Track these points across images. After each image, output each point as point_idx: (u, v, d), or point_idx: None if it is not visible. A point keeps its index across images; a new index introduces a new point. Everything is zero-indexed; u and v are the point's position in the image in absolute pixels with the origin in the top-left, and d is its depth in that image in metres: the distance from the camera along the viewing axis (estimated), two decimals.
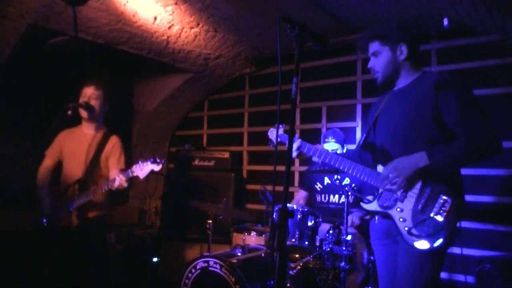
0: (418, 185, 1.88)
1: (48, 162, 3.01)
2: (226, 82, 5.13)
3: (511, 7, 2.79)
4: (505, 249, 3.23)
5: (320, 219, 2.94)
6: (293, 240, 2.82)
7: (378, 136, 2.12)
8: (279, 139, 2.41)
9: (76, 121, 3.01)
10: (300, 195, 3.76)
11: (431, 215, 1.82)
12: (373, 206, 2.01)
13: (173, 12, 3.46)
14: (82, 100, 2.89)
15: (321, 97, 4.42)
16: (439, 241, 1.78)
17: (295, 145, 2.21)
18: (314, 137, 4.31)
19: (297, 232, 2.83)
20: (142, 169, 2.62)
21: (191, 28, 3.76)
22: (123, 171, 2.73)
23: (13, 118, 4.02)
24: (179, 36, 3.90)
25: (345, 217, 2.78)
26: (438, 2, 3.05)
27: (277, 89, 1.62)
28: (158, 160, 2.61)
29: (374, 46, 2.05)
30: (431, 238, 1.79)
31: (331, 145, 3.44)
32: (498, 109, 3.35)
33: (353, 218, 3.22)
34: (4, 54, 3.56)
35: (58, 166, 3.01)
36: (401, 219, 1.89)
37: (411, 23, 3.47)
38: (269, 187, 3.56)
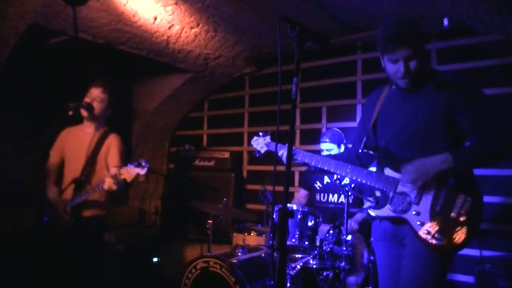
0: (433, 186, 1.81)
1: (53, 159, 3.03)
2: (226, 82, 5.13)
3: (511, 7, 2.79)
4: (506, 249, 3.23)
5: (320, 219, 2.94)
6: (293, 240, 2.82)
7: (382, 138, 2.01)
8: (267, 148, 2.41)
9: (78, 119, 3.01)
10: (301, 194, 3.77)
11: (452, 216, 1.74)
12: (385, 211, 1.88)
13: (173, 12, 3.46)
14: (86, 99, 2.89)
15: (321, 97, 4.42)
16: (463, 242, 1.72)
17: (285, 153, 2.14)
18: (314, 137, 4.31)
19: (297, 232, 2.83)
20: (129, 172, 2.62)
21: (191, 28, 3.76)
22: (120, 168, 2.73)
23: (13, 118, 4.01)
24: (179, 36, 3.90)
25: (345, 217, 2.78)
26: (438, 2, 3.05)
27: (277, 89, 1.61)
28: (143, 164, 2.60)
29: (409, 49, 1.78)
30: (454, 239, 1.73)
31: (326, 145, 3.49)
32: (498, 109, 3.34)
33: (352, 223, 3.22)
34: (4, 54, 3.56)
35: (62, 165, 3.02)
36: (418, 223, 1.79)
37: None
38: (269, 187, 3.56)
